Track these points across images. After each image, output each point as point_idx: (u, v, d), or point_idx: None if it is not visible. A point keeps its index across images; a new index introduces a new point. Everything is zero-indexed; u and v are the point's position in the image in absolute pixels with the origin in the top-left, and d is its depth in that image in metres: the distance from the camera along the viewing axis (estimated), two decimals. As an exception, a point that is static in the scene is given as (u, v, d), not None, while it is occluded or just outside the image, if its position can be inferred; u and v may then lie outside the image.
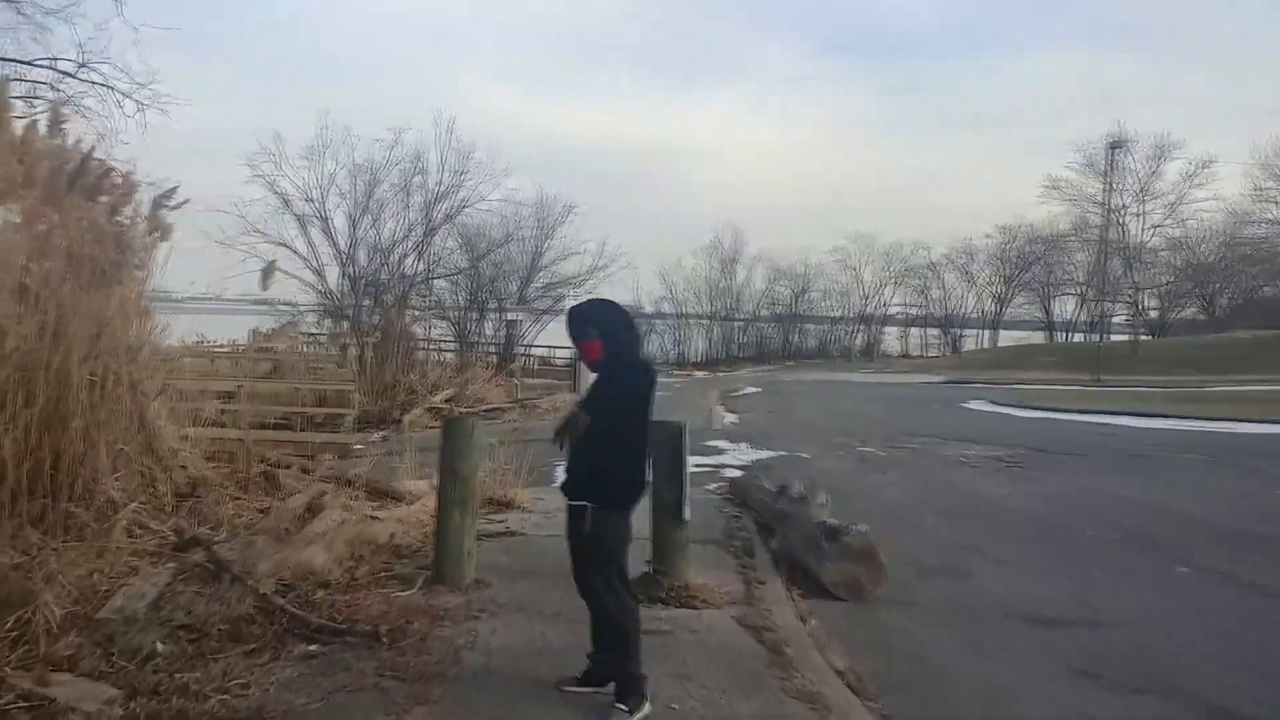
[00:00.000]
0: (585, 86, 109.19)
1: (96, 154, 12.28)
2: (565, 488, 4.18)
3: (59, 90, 12.19)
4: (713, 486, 9.82)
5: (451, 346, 23.21)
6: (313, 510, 7.55)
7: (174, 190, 8.80)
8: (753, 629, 5.34)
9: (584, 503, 4.05)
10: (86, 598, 4.92)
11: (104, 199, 6.77)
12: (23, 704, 3.80)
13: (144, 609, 4.85)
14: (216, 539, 6.35)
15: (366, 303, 19.01)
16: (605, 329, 4.07)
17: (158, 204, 7.31)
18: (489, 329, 25.58)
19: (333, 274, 19.47)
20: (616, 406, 4.03)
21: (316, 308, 19.02)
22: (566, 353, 24.35)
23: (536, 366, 25.17)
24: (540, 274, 27.19)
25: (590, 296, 4.48)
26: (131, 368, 6.89)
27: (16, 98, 12.06)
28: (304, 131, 24.51)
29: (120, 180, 8.91)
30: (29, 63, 12.05)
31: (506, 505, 8.14)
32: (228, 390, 15.93)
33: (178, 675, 4.16)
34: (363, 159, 21.08)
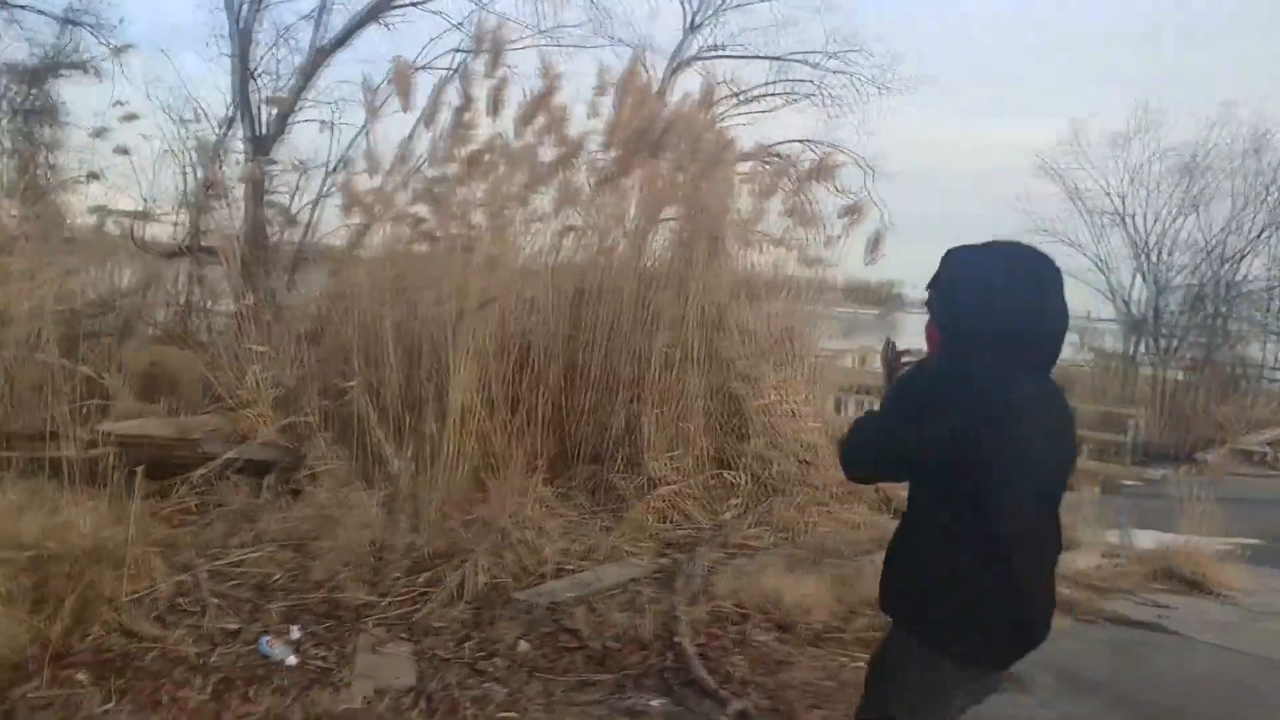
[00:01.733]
0: None
1: (836, 141, 12.36)
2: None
3: (811, 83, 12.63)
4: None
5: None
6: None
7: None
8: None
9: (891, 617, 2.06)
10: (533, 571, 4.48)
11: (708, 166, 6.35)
12: (327, 664, 3.47)
13: (566, 601, 4.21)
14: (755, 544, 5.44)
15: (1175, 313, 15.40)
16: (944, 288, 1.94)
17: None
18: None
19: (1128, 281, 16.30)
20: (933, 449, 1.89)
21: (1112, 320, 16.19)
22: None
23: None
24: None
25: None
26: (725, 345, 6.40)
27: (775, 95, 12.89)
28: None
29: (819, 163, 8.64)
30: (781, 58, 12.73)
31: (1193, 585, 5.43)
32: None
33: (484, 684, 3.41)
34: (1180, 142, 17.18)
